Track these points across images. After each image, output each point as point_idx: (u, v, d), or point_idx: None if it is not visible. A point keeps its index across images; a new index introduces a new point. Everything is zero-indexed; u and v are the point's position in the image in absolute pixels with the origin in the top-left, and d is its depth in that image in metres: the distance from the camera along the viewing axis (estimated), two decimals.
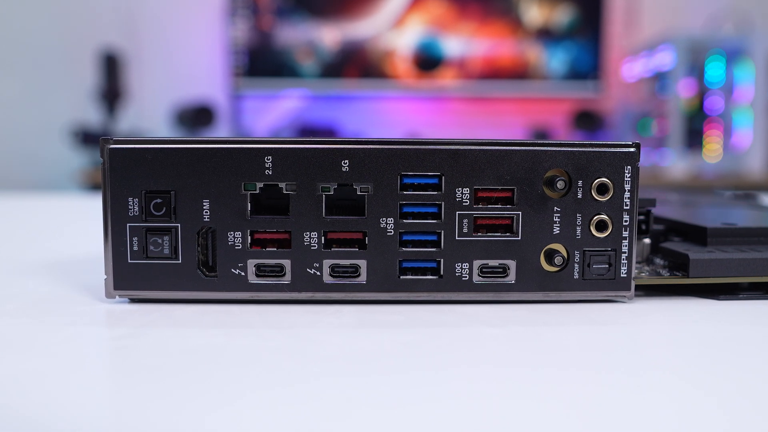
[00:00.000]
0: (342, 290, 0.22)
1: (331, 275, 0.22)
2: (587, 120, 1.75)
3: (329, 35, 1.76)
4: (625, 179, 0.22)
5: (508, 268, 0.22)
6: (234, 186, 0.21)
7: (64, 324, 0.20)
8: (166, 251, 0.21)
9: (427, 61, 1.79)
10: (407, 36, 1.78)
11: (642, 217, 0.24)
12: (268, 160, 0.21)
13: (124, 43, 1.67)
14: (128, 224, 0.21)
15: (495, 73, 1.79)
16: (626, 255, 0.22)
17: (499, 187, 0.21)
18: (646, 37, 1.76)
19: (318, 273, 0.22)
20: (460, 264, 0.22)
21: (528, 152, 0.21)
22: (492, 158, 0.21)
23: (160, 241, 0.21)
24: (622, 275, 0.22)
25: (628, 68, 1.82)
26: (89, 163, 1.54)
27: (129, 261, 0.21)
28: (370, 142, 0.21)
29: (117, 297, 0.22)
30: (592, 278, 0.22)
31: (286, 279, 0.22)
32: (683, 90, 1.61)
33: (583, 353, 0.18)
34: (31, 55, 1.71)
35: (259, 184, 0.21)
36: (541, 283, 0.22)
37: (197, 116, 1.62)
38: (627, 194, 0.22)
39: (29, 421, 0.13)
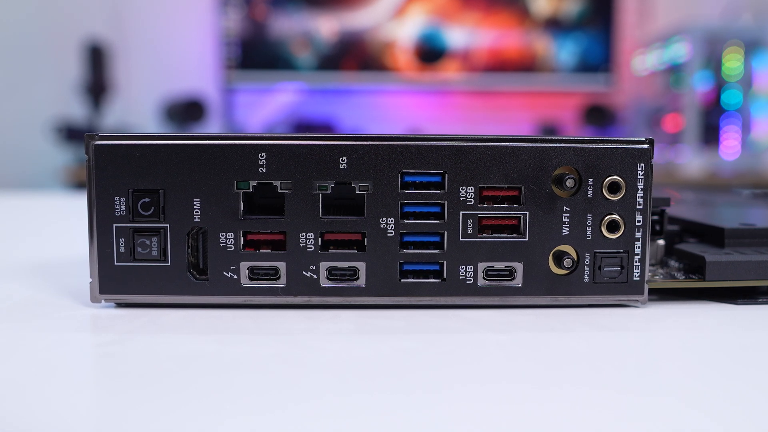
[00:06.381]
0: (340, 294, 0.22)
1: (328, 278, 0.22)
2: (598, 115, 1.75)
3: (326, 25, 1.77)
4: (638, 177, 0.22)
5: (515, 271, 0.22)
6: (226, 184, 0.21)
7: (47, 330, 0.20)
8: (155, 253, 0.21)
9: (430, 52, 1.79)
10: (408, 26, 1.78)
11: (656, 217, 0.25)
12: (262, 157, 0.21)
13: (110, 34, 1.67)
14: (115, 225, 0.21)
15: (501, 65, 1.79)
16: (639, 257, 0.22)
17: (505, 186, 0.22)
18: (660, 28, 1.76)
19: (314, 276, 0.22)
20: (464, 266, 0.22)
21: (536, 149, 0.21)
22: (498, 155, 0.21)
23: (148, 242, 0.21)
24: (634, 278, 0.22)
25: (641, 60, 1.82)
26: (73, 160, 1.54)
27: (115, 263, 0.21)
28: (370, 139, 0.21)
29: (103, 301, 0.22)
30: (603, 281, 0.22)
31: (281, 282, 0.22)
32: (699, 83, 1.61)
33: (594, 361, 0.18)
34: (12, 46, 1.71)
35: (253, 183, 0.21)
36: (550, 287, 0.22)
37: (187, 111, 1.62)
38: (640, 193, 0.22)
39: (11, 431, 0.13)
